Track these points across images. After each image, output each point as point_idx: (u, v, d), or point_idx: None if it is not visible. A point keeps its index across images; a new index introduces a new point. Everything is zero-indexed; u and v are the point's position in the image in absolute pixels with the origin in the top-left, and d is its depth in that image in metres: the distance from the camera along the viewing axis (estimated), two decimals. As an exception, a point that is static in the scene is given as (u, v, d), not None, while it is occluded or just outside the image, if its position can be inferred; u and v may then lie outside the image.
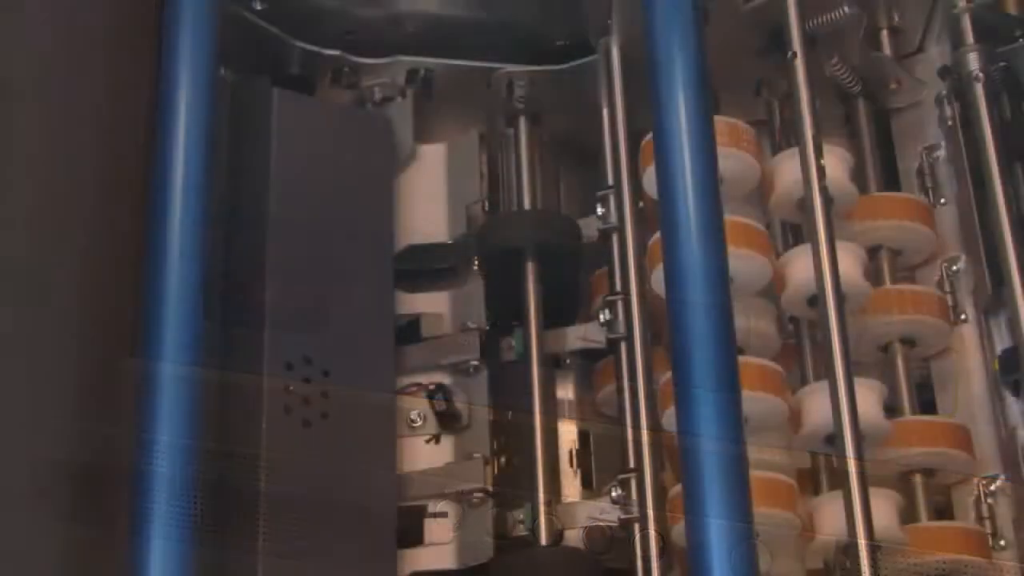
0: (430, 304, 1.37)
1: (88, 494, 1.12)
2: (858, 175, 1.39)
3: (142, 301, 1.11)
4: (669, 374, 1.12)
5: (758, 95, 1.45)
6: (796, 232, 1.40)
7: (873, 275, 1.36)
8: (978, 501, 1.31)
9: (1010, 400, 1.33)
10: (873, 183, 1.43)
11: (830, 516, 1.22)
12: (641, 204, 1.36)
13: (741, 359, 1.09)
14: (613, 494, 1.26)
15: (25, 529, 1.08)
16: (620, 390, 1.30)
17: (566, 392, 1.38)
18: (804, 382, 1.33)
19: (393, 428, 1.29)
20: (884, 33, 1.48)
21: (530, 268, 1.35)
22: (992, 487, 1.31)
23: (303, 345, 1.26)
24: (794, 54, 1.32)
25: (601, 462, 1.35)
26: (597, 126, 1.41)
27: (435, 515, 1.29)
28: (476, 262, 1.38)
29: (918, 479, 1.30)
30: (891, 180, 1.46)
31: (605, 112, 1.41)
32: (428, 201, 1.42)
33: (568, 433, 1.36)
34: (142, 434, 1.07)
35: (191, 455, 1.07)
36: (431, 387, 1.33)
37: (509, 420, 1.33)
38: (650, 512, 1.24)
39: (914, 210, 1.39)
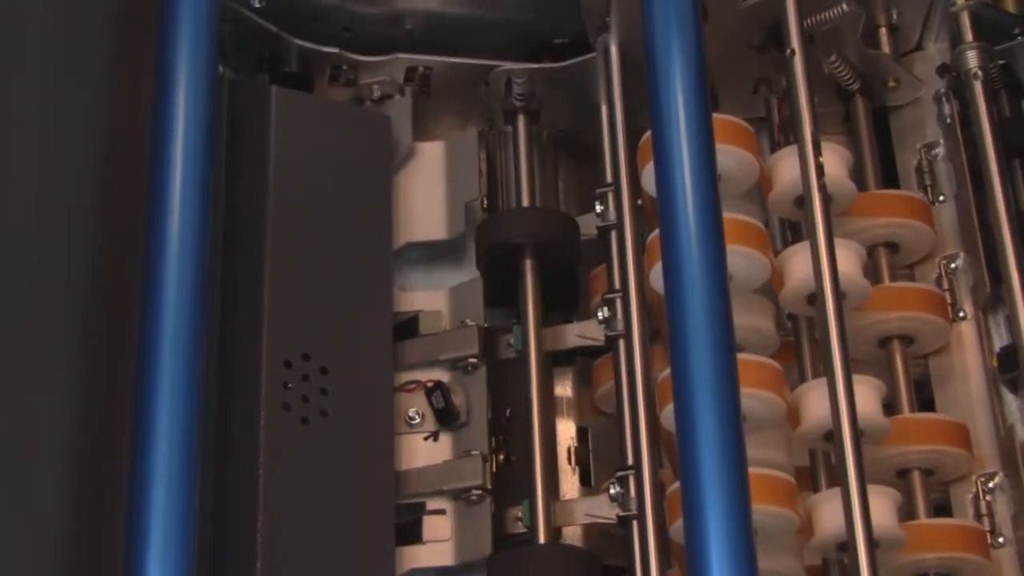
0: (429, 301, 1.37)
1: (88, 494, 1.12)
2: (857, 172, 1.39)
3: (142, 299, 1.11)
4: (667, 371, 1.12)
5: (756, 92, 1.46)
6: (795, 229, 1.41)
7: (872, 272, 1.36)
8: (976, 499, 1.31)
9: (1008, 398, 1.33)
10: (872, 180, 1.43)
11: (829, 513, 1.22)
12: (640, 201, 1.36)
13: (740, 356, 1.09)
14: (611, 491, 1.26)
15: (25, 530, 1.08)
16: (618, 387, 1.30)
17: (565, 390, 1.38)
18: (803, 379, 1.33)
19: (392, 425, 1.30)
20: (883, 31, 1.48)
21: (528, 265, 1.35)
22: (991, 484, 1.31)
23: (302, 342, 1.26)
24: (792, 51, 1.32)
25: (599, 459, 1.35)
26: (596, 123, 1.41)
27: (433, 512, 1.29)
28: (475, 259, 1.39)
29: (916, 476, 1.30)
30: (890, 177, 1.46)
31: (604, 109, 1.41)
32: (427, 198, 1.42)
33: (566, 430, 1.36)
34: (142, 432, 1.07)
35: (190, 453, 1.07)
36: (429, 384, 1.33)
37: (508, 417, 1.33)
38: (648, 509, 1.24)
39: (913, 208, 1.39)
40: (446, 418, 1.32)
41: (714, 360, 1.05)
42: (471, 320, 1.35)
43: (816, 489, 1.29)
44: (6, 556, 1.06)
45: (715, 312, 1.07)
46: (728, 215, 1.16)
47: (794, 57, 1.32)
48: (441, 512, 1.29)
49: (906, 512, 1.27)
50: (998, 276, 1.33)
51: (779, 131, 1.44)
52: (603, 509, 1.26)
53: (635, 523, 1.24)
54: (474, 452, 1.30)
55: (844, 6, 1.37)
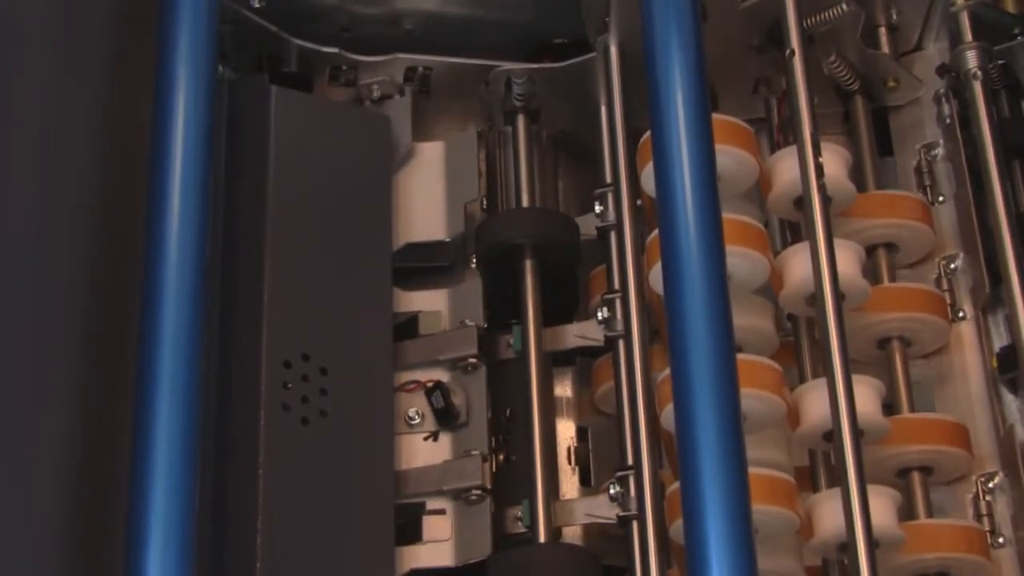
0: (428, 302, 1.37)
1: (88, 494, 1.12)
2: (856, 173, 1.39)
3: (141, 299, 1.11)
4: (667, 371, 1.12)
5: (756, 93, 1.46)
6: (794, 230, 1.41)
7: (871, 273, 1.36)
8: (976, 499, 1.31)
9: (1008, 398, 1.33)
10: (871, 181, 1.43)
11: (829, 513, 1.22)
12: (639, 202, 1.36)
13: (739, 357, 1.09)
14: (611, 491, 1.26)
15: (25, 530, 1.08)
16: (618, 387, 1.30)
17: (564, 390, 1.38)
18: (802, 379, 1.33)
19: (391, 425, 1.30)
20: (882, 31, 1.48)
21: (528, 266, 1.35)
22: (991, 484, 1.31)
23: (302, 342, 1.26)
24: (792, 52, 1.32)
25: (599, 459, 1.35)
26: (595, 123, 1.41)
27: (433, 512, 1.29)
28: (474, 260, 1.38)
29: (916, 477, 1.30)
30: (889, 178, 1.46)
31: (603, 110, 1.41)
32: (426, 199, 1.42)
33: (566, 430, 1.36)
34: (142, 432, 1.07)
35: (190, 453, 1.07)
36: (429, 384, 1.33)
37: (507, 417, 1.33)
38: (648, 509, 1.24)
39: (912, 208, 1.39)
40: (446, 418, 1.32)
41: (714, 360, 1.05)
42: (471, 320, 1.35)
43: (816, 489, 1.29)
44: (6, 556, 1.06)
45: (715, 312, 1.07)
46: (728, 215, 1.16)
47: (794, 57, 1.32)
48: (441, 512, 1.29)
49: (906, 512, 1.27)
50: (998, 276, 1.33)
51: (779, 131, 1.44)
52: (603, 509, 1.26)
53: (635, 523, 1.24)
54: (474, 452, 1.30)
55: (844, 6, 1.37)
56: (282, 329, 1.26)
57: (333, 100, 1.44)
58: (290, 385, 1.25)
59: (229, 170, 1.31)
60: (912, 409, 1.33)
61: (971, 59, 1.41)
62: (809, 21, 1.36)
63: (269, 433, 1.22)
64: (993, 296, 1.35)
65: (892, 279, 1.37)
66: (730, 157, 1.30)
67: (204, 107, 1.18)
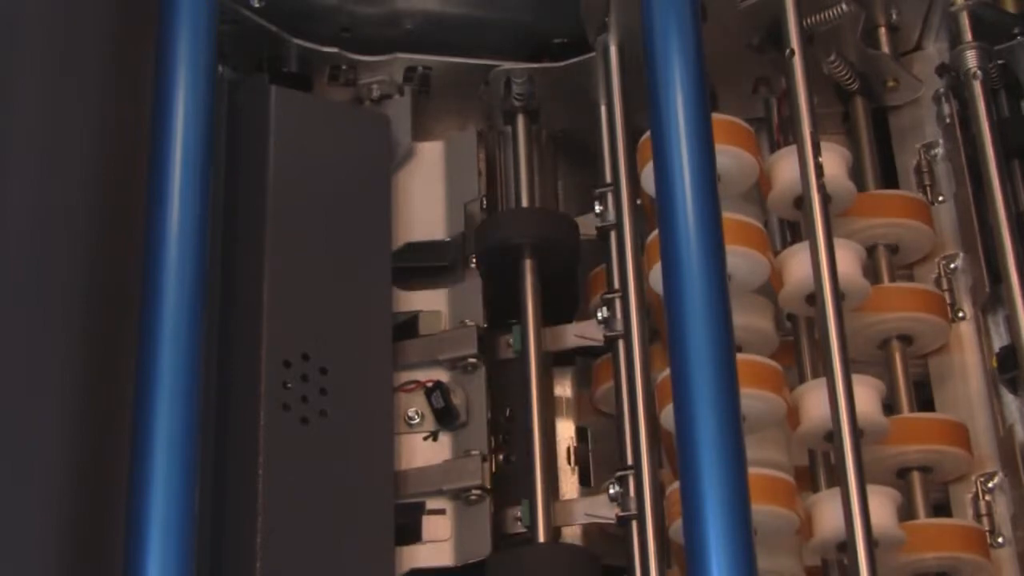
0: (428, 302, 1.37)
1: (88, 494, 1.12)
2: (856, 173, 1.39)
3: (141, 300, 1.11)
4: (667, 371, 1.12)
5: (756, 92, 1.46)
6: (794, 229, 1.41)
7: (871, 273, 1.36)
8: (976, 498, 1.31)
9: (1008, 398, 1.33)
10: (871, 181, 1.43)
11: (828, 513, 1.22)
12: (639, 202, 1.36)
13: (739, 356, 1.09)
14: (611, 491, 1.26)
15: (25, 530, 1.08)
16: (618, 387, 1.30)
17: (564, 390, 1.38)
18: (802, 379, 1.33)
19: (391, 425, 1.30)
20: (882, 30, 1.48)
21: (528, 266, 1.35)
22: (990, 484, 1.31)
23: (302, 342, 1.26)
24: (792, 51, 1.32)
25: (599, 459, 1.35)
26: (595, 123, 1.41)
27: (433, 512, 1.29)
28: (474, 260, 1.38)
29: (916, 476, 1.30)
30: (889, 178, 1.46)
31: (603, 109, 1.41)
32: (426, 199, 1.42)
33: (566, 430, 1.36)
34: (142, 432, 1.07)
35: (190, 453, 1.07)
36: (429, 384, 1.33)
37: (507, 417, 1.33)
38: (648, 509, 1.24)
39: (912, 208, 1.39)
40: (446, 418, 1.32)
41: (714, 360, 1.05)
42: (470, 320, 1.35)
43: (816, 489, 1.29)
44: (6, 556, 1.06)
45: (715, 312, 1.07)
46: (728, 215, 1.16)
47: (793, 57, 1.32)
48: (441, 512, 1.29)
49: (906, 512, 1.27)
50: (997, 276, 1.33)
51: (778, 131, 1.44)
52: (603, 509, 1.26)
53: (635, 523, 1.24)
54: (473, 452, 1.30)
55: (844, 6, 1.37)
56: (282, 329, 1.26)
57: (333, 100, 1.44)
58: (290, 385, 1.25)
59: (229, 170, 1.31)
60: (912, 409, 1.33)
61: (971, 59, 1.42)
62: (809, 21, 1.36)
63: (269, 433, 1.22)
64: (993, 296, 1.35)
65: (892, 279, 1.37)
66: (730, 157, 1.30)
67: (204, 107, 1.18)
